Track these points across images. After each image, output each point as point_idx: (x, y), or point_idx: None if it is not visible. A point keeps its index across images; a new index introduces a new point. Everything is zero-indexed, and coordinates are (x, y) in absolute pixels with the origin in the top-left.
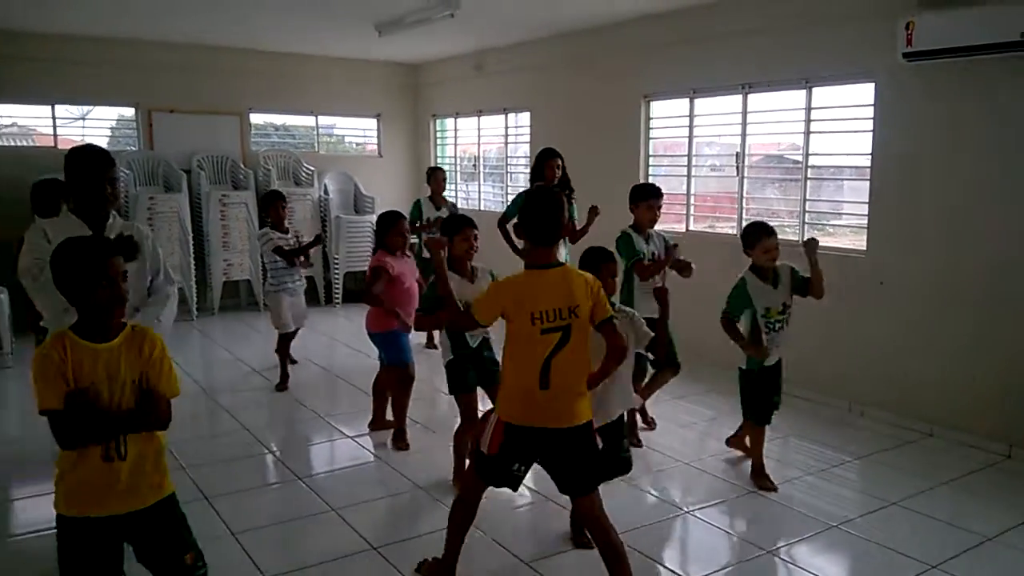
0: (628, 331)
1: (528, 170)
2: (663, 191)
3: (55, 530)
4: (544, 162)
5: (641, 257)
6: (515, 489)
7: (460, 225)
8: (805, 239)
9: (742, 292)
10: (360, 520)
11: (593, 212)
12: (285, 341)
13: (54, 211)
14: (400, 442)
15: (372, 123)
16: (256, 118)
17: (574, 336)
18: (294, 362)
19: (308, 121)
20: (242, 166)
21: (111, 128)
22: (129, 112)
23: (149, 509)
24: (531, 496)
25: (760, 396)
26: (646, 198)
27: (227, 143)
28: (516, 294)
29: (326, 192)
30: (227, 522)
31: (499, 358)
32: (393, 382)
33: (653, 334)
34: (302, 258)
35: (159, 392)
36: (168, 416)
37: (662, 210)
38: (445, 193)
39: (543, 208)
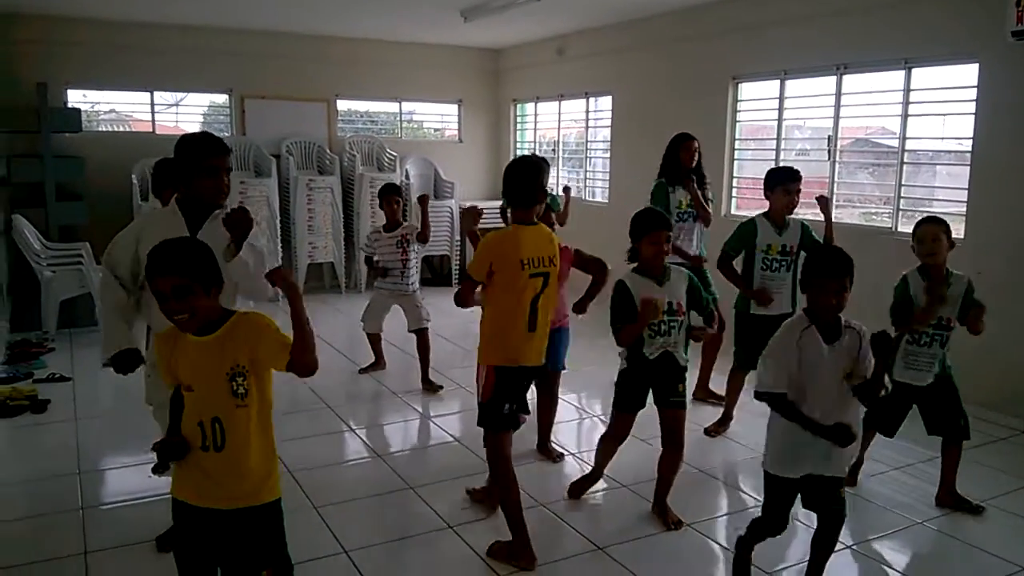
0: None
1: (608, 154)
2: (800, 173)
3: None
4: (680, 145)
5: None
6: (516, 428)
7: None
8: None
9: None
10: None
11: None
12: (372, 337)
13: (170, 190)
14: None
15: (452, 108)
16: (341, 104)
17: (551, 282)
18: (435, 388)
19: (390, 107)
20: (328, 151)
21: (203, 114)
22: (222, 99)
23: (238, 512)
24: (606, 483)
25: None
26: (782, 182)
27: (314, 129)
28: (506, 243)
29: (407, 177)
30: (309, 495)
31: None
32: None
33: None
34: (404, 258)
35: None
36: (308, 360)
37: (799, 195)
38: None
39: (522, 175)
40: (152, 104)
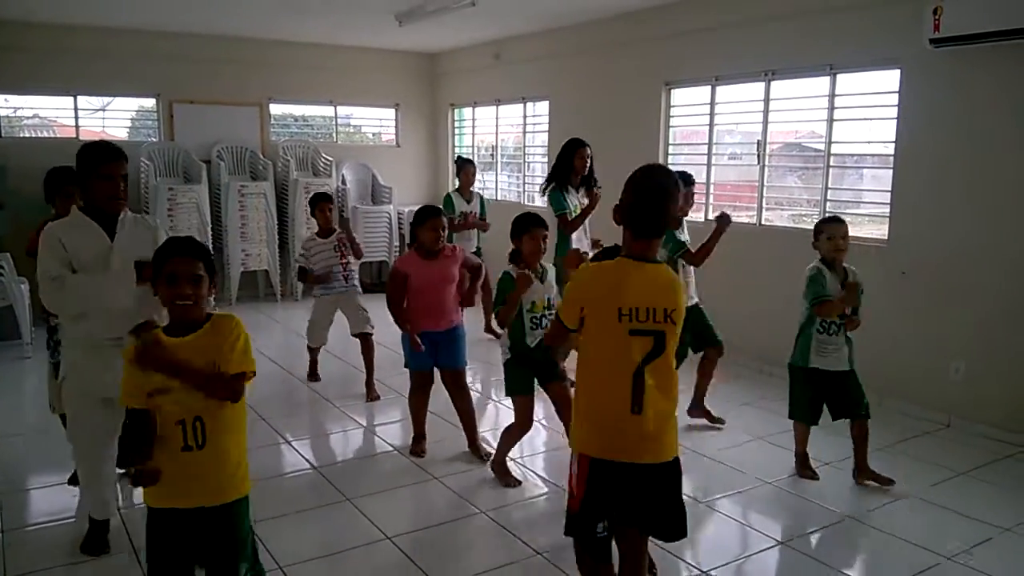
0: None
1: (547, 159)
2: (692, 177)
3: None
4: (574, 151)
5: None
6: (607, 560)
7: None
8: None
9: None
10: (376, 510)
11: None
12: (312, 351)
13: (63, 198)
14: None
15: (390, 113)
16: (275, 108)
17: (668, 346)
18: (374, 398)
19: (326, 111)
20: (261, 156)
21: (131, 119)
22: (150, 103)
23: (221, 508)
24: (546, 487)
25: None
26: (686, 186)
27: (247, 134)
28: (602, 281)
29: (344, 182)
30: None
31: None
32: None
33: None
34: (344, 261)
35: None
36: (239, 389)
37: (693, 197)
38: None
39: (651, 192)
40: (76, 109)
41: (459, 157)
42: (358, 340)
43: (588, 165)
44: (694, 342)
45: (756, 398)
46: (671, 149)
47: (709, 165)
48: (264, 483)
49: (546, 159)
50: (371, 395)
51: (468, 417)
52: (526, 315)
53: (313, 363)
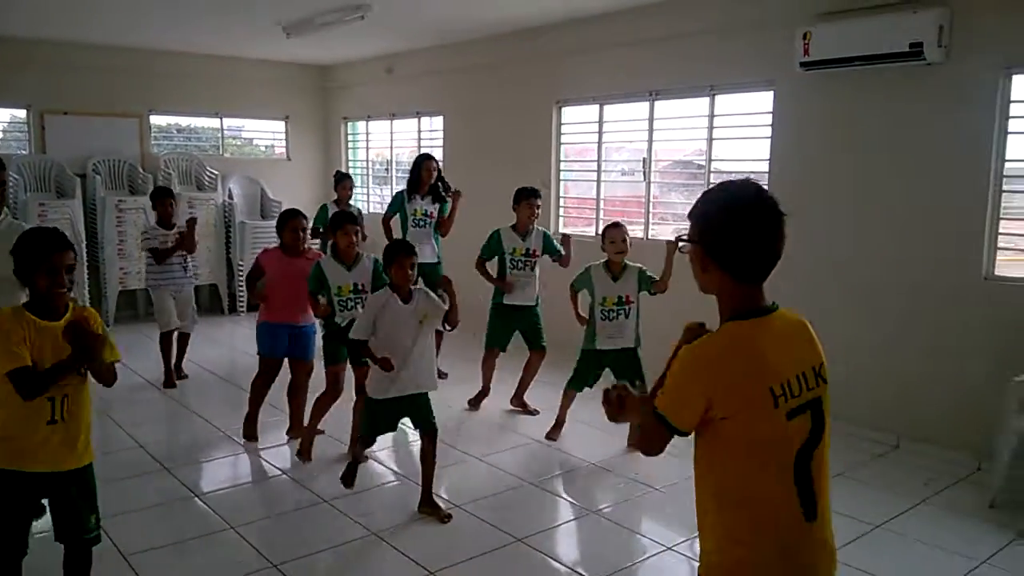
0: (428, 307)
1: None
2: (539, 191)
3: None
4: (421, 164)
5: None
6: None
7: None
8: (668, 240)
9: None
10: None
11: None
12: (166, 340)
13: None
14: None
15: (279, 125)
16: (159, 120)
17: (827, 417)
18: (183, 376)
19: (214, 123)
20: (141, 170)
21: (2, 130)
22: (21, 114)
23: (75, 471)
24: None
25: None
26: (526, 198)
27: (126, 146)
28: (740, 358)
29: (231, 196)
30: (118, 545)
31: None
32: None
33: (447, 308)
34: (182, 252)
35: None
36: (113, 375)
37: (540, 210)
38: (354, 199)
39: (768, 219)
40: None
41: (337, 172)
42: (176, 332)
43: (434, 176)
44: (525, 341)
45: None
46: (563, 165)
47: (599, 181)
48: (140, 513)
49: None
50: (170, 382)
51: (298, 409)
52: (335, 299)
53: (167, 348)
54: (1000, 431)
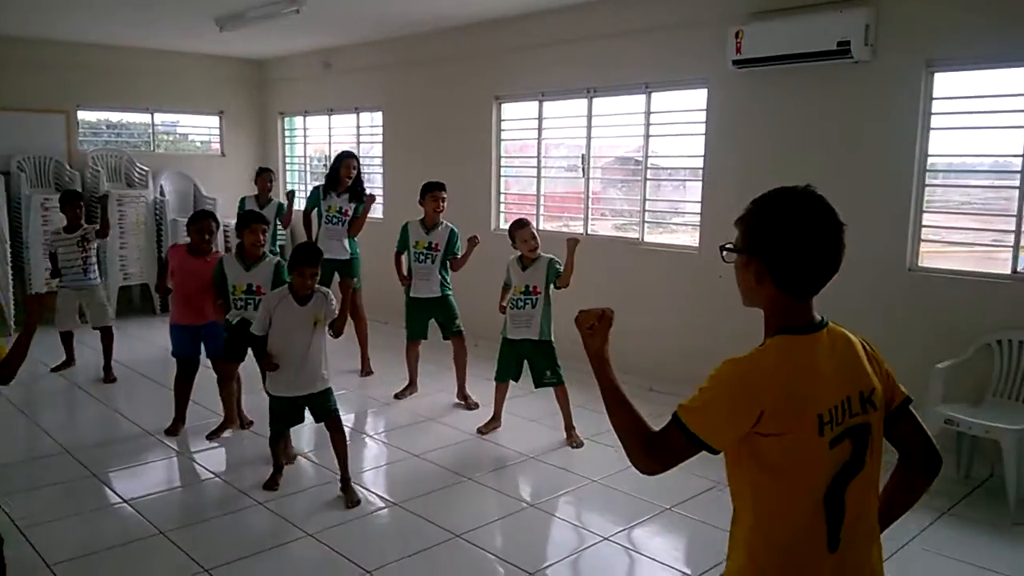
0: (324, 310)
1: (382, 169)
2: (443, 184)
3: None
4: (341, 162)
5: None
6: None
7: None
8: (569, 237)
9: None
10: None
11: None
12: (64, 337)
13: None
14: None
15: (213, 120)
16: (88, 116)
17: (873, 445)
18: (111, 380)
19: (145, 119)
20: (68, 167)
21: None
22: None
23: None
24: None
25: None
26: (431, 191)
27: (52, 142)
28: (788, 376)
29: (162, 193)
30: (43, 554)
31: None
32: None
33: (336, 313)
34: (85, 253)
35: None
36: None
37: (444, 202)
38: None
39: (821, 234)
40: None
41: (260, 167)
42: (99, 331)
43: (353, 174)
44: (441, 329)
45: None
46: (503, 162)
47: (539, 177)
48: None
49: (381, 169)
50: (109, 378)
51: (228, 401)
52: (230, 297)
53: (68, 347)
54: (925, 419)
